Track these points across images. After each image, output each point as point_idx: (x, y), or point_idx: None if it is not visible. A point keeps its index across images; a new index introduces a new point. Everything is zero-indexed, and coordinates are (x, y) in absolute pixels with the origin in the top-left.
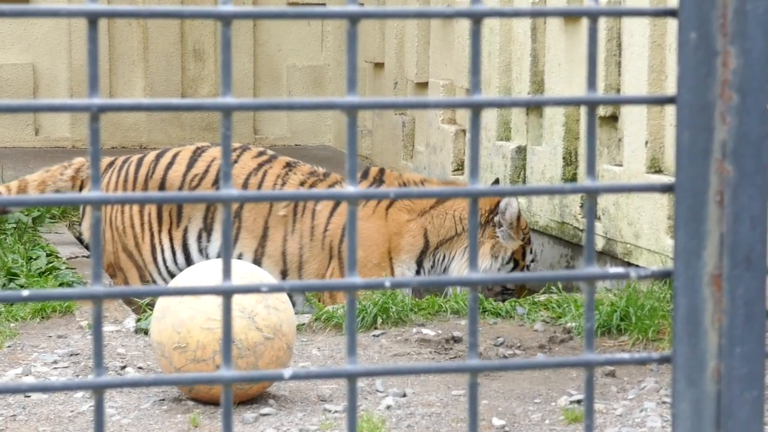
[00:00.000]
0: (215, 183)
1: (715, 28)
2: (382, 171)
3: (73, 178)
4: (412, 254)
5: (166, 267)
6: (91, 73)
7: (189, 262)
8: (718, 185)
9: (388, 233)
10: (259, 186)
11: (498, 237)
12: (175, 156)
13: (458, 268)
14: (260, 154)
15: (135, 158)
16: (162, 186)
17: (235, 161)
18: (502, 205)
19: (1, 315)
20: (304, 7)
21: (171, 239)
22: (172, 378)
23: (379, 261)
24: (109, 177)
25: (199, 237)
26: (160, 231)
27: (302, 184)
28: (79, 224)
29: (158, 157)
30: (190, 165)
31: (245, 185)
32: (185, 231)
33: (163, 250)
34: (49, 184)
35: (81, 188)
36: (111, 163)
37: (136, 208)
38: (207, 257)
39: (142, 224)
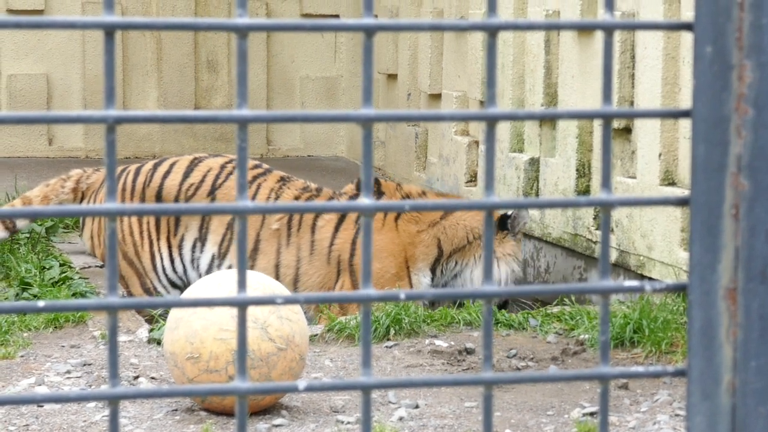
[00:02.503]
0: (210, 193)
1: (730, 42)
2: (378, 182)
3: (74, 190)
4: (427, 263)
5: (166, 275)
6: (108, 84)
7: (186, 272)
8: (733, 199)
9: (402, 244)
10: (253, 199)
11: (511, 243)
12: (172, 165)
13: (472, 275)
14: (255, 167)
15: (133, 167)
16: (159, 194)
17: (231, 173)
18: (512, 213)
19: (14, 325)
20: (319, 19)
21: (169, 247)
22: (186, 389)
23: (396, 271)
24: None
25: (194, 247)
26: (158, 239)
27: (296, 198)
28: (80, 235)
29: (156, 166)
30: (186, 175)
31: None
32: (182, 240)
33: (162, 258)
34: (52, 198)
35: (81, 199)
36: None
37: (134, 216)
38: (198, 268)
39: (141, 232)
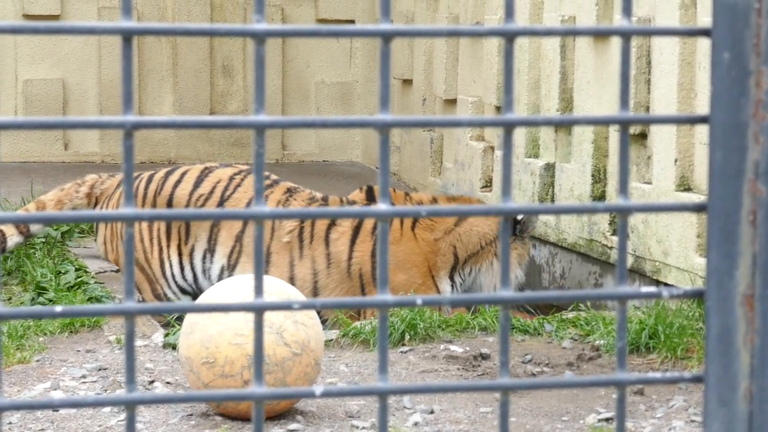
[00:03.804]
0: (219, 204)
1: (748, 48)
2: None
3: (88, 195)
4: (446, 271)
5: (175, 281)
6: (125, 90)
7: (196, 279)
8: (751, 205)
9: (423, 253)
10: None
11: (518, 247)
12: (183, 174)
13: (487, 279)
14: (264, 177)
15: (146, 175)
16: (170, 203)
17: (239, 185)
18: (522, 217)
19: (29, 329)
20: (335, 24)
21: (180, 255)
22: (203, 395)
23: (423, 281)
24: (121, 193)
25: (204, 257)
26: (168, 246)
27: None
28: (95, 240)
29: (167, 174)
30: (197, 185)
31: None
32: (192, 249)
33: (171, 265)
34: (66, 203)
35: (95, 204)
36: (120, 183)
37: (145, 222)
38: (209, 278)
39: (150, 239)
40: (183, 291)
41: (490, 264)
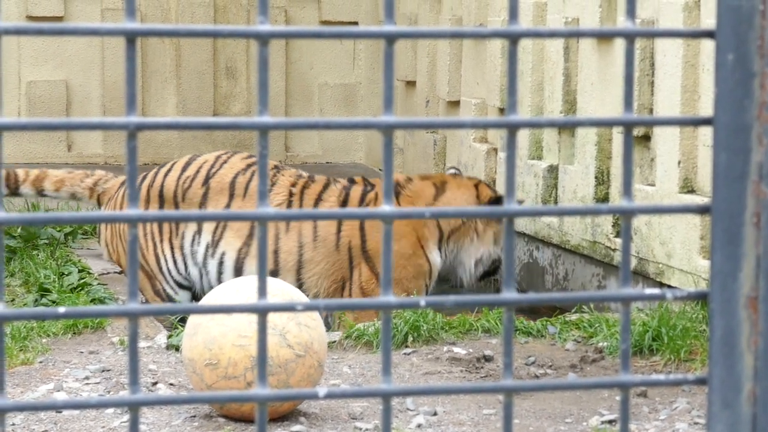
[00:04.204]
0: (204, 183)
1: (752, 50)
2: (364, 178)
3: (90, 189)
4: (434, 241)
5: (172, 276)
6: (129, 91)
7: (186, 268)
8: (755, 207)
9: (411, 224)
10: (247, 185)
11: (495, 225)
12: (173, 164)
13: (467, 256)
14: (249, 156)
15: (143, 175)
16: (161, 192)
17: (225, 162)
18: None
19: (33, 330)
20: (338, 26)
21: (172, 248)
22: (207, 396)
23: (414, 251)
24: (123, 193)
25: (193, 240)
26: (161, 241)
27: (293, 185)
28: (98, 241)
29: (160, 168)
30: (184, 169)
31: (233, 184)
32: (182, 237)
33: (166, 260)
34: (67, 185)
35: (98, 201)
36: (123, 182)
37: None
38: (196, 262)
39: (144, 235)
40: (180, 285)
41: (471, 241)
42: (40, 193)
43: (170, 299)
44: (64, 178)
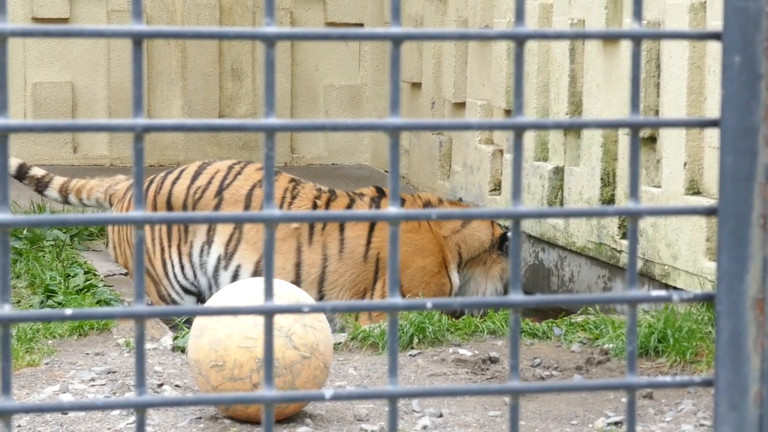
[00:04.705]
0: (217, 194)
1: (759, 52)
2: (377, 188)
3: (105, 192)
4: (455, 265)
5: (178, 281)
6: (136, 93)
7: (195, 275)
8: (762, 209)
9: (439, 243)
10: None
11: (503, 262)
12: (181, 172)
13: (476, 285)
14: (260, 170)
15: (149, 178)
16: (169, 201)
17: (239, 173)
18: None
19: (38, 332)
20: (344, 27)
21: (180, 255)
22: (213, 398)
23: (439, 269)
24: (130, 196)
25: (201, 251)
26: (170, 246)
27: (316, 198)
28: (106, 245)
29: (167, 174)
30: (194, 178)
31: (249, 196)
32: (191, 246)
33: (173, 266)
34: (92, 192)
35: (110, 204)
36: (131, 186)
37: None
38: (205, 272)
39: (152, 240)
40: (186, 291)
41: (480, 273)
42: (67, 200)
43: (174, 304)
44: (92, 187)
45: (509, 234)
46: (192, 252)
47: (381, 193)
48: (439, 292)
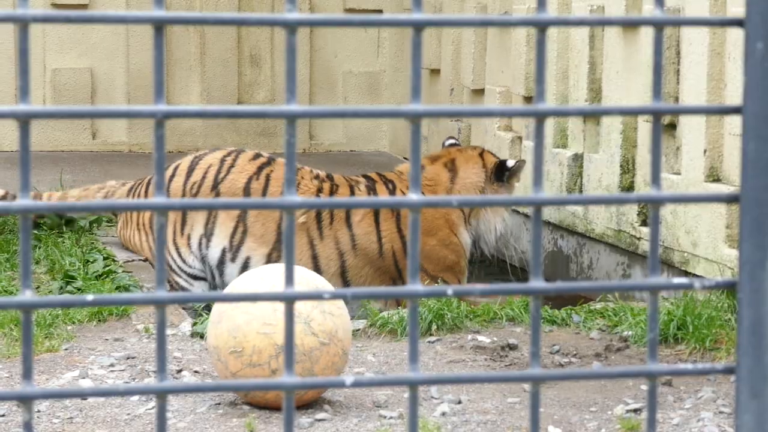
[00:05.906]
0: (213, 188)
1: None
2: (368, 177)
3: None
4: (462, 224)
5: (183, 270)
6: (157, 79)
7: (203, 262)
8: None
9: (441, 213)
10: (263, 192)
11: (505, 192)
12: (175, 168)
13: (485, 228)
14: (256, 157)
15: (146, 179)
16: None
17: (232, 165)
18: (511, 164)
19: (58, 318)
20: (362, 14)
21: (177, 247)
22: (233, 384)
23: (450, 239)
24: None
25: (200, 243)
26: (172, 239)
27: (319, 190)
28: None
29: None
30: (189, 174)
31: (246, 190)
32: (188, 238)
33: (173, 258)
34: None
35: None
36: (131, 188)
37: (147, 216)
38: (208, 264)
39: (145, 231)
40: (194, 277)
41: (486, 211)
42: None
43: (183, 291)
44: (80, 197)
45: (508, 162)
46: (191, 243)
47: (368, 179)
48: (458, 256)
